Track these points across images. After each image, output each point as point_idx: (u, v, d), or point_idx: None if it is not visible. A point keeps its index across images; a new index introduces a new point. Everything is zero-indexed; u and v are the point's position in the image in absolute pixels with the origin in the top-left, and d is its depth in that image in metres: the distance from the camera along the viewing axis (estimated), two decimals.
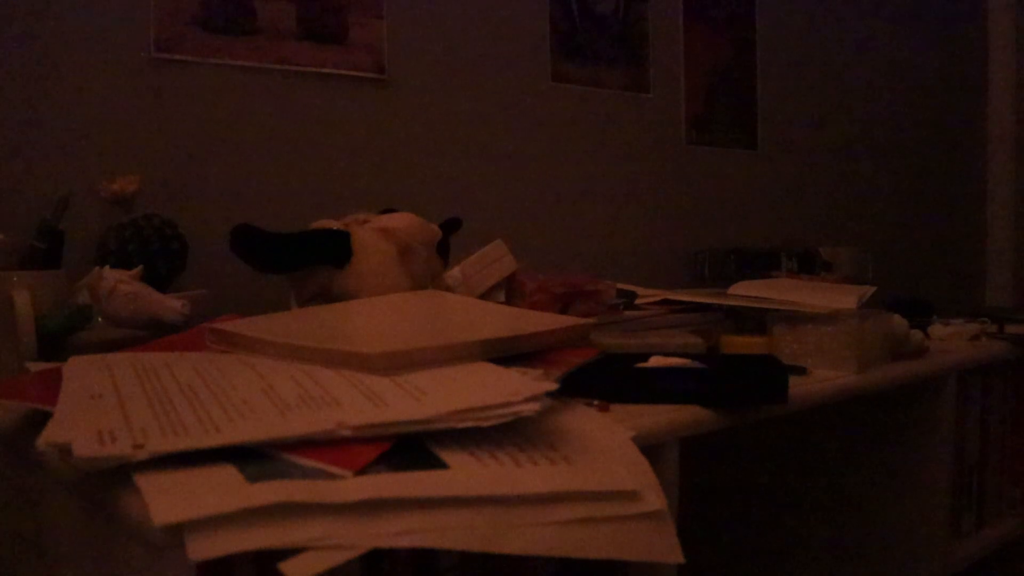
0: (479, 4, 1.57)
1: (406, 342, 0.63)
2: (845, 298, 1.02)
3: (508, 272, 1.05)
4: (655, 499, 0.49)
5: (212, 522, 0.39)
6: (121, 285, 0.87)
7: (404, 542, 0.41)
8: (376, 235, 0.90)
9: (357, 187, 1.42)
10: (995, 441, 1.25)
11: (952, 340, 1.20)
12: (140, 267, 0.91)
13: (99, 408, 0.51)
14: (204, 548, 0.38)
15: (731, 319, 1.07)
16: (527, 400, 0.51)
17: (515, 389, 0.53)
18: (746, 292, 1.09)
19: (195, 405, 0.51)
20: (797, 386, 0.80)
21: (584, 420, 0.60)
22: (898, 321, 1.02)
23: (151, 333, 0.87)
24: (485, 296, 1.02)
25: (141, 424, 0.48)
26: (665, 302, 1.13)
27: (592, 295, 1.00)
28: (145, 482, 0.42)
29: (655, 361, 0.77)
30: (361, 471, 0.45)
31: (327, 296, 0.90)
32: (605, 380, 0.71)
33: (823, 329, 0.92)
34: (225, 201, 1.28)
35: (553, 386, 0.55)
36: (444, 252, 0.99)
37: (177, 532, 0.38)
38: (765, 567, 1.27)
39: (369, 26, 1.42)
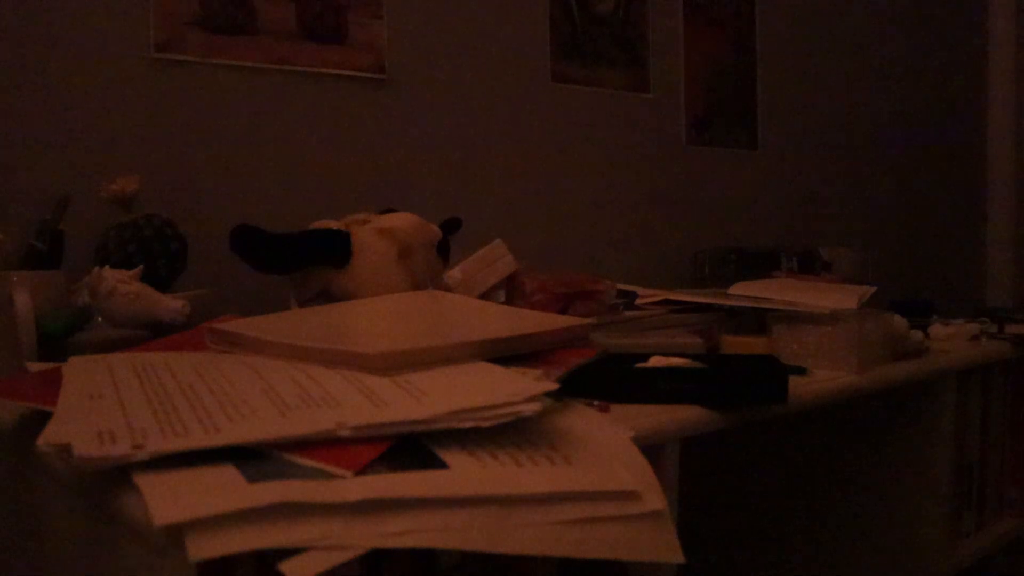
0: (479, 4, 1.57)
1: (406, 342, 0.63)
2: (845, 298, 1.02)
3: (508, 272, 1.05)
4: (655, 499, 0.49)
5: (212, 522, 0.39)
6: (121, 285, 0.87)
7: (404, 542, 0.41)
8: (376, 235, 0.90)
9: (357, 187, 1.42)
10: (995, 441, 1.25)
11: (952, 340, 1.20)
12: (140, 267, 0.91)
13: (99, 408, 0.51)
14: (204, 548, 0.38)
15: (731, 319, 1.07)
16: (527, 400, 0.51)
17: (515, 389, 0.53)
18: (746, 292, 1.09)
19: (195, 405, 0.51)
20: (797, 386, 0.80)
21: (584, 420, 0.59)
22: (898, 321, 1.02)
23: (151, 333, 0.87)
24: (485, 296, 1.02)
25: (141, 424, 0.48)
26: (665, 302, 1.12)
27: (592, 295, 1.00)
28: (145, 482, 0.42)
29: (655, 361, 0.77)
30: (361, 471, 0.45)
31: (327, 296, 0.90)
32: (605, 380, 0.71)
33: (823, 329, 0.92)
34: (225, 201, 1.28)
35: (553, 386, 0.55)
36: (444, 252, 0.99)
37: (177, 532, 0.38)
38: (765, 567, 1.27)
39: (369, 26, 1.42)
